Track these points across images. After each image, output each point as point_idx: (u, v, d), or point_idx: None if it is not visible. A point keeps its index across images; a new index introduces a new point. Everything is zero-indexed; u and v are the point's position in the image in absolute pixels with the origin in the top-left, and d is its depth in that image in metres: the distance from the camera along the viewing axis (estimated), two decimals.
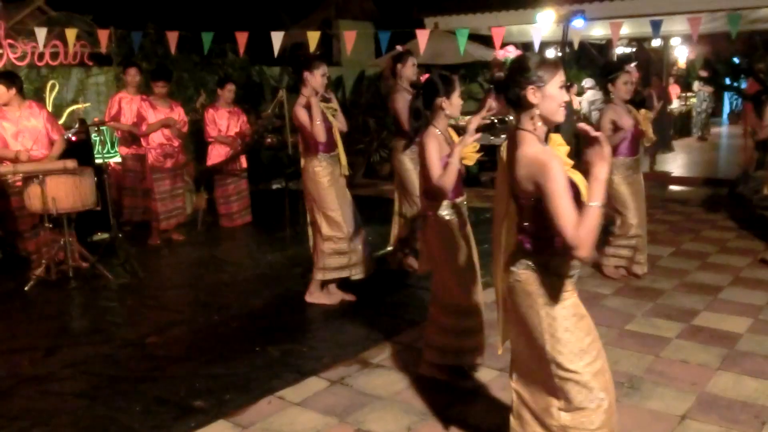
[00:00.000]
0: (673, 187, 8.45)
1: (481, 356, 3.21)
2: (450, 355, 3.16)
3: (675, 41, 14.30)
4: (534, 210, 1.96)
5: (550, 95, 1.97)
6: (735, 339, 3.71)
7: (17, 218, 5.08)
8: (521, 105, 2.00)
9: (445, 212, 3.02)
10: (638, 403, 3.02)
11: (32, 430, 2.88)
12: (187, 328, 4.13)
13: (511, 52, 2.21)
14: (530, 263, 2.03)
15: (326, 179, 4.18)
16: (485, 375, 3.27)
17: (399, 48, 5.15)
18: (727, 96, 17.91)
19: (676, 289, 4.61)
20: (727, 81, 16.70)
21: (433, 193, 2.98)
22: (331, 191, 4.19)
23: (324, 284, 4.38)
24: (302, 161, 4.30)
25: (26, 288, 4.76)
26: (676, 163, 10.60)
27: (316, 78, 4.08)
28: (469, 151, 2.98)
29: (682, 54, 15.32)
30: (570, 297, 2.05)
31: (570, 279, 2.04)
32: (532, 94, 1.96)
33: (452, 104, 3.00)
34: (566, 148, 2.08)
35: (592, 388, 2.03)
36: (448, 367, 3.20)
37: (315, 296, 4.38)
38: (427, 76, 3.22)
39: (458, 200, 3.08)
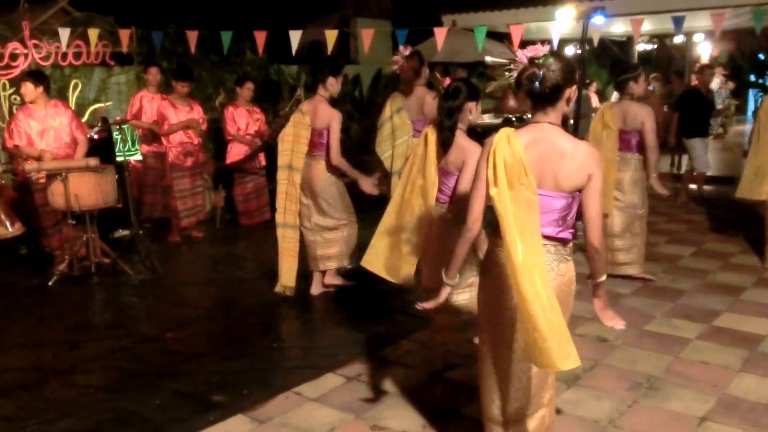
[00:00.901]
0: (695, 186, 8.32)
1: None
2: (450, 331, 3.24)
3: (698, 37, 14.07)
4: (577, 201, 2.08)
5: (574, 96, 2.12)
6: (758, 340, 3.65)
7: (41, 215, 5.18)
8: (557, 101, 2.07)
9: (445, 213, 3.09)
10: (657, 404, 2.99)
11: (57, 422, 2.94)
12: (206, 323, 4.18)
13: (540, 50, 2.21)
14: (567, 254, 2.13)
15: (332, 176, 4.34)
16: None
17: (403, 50, 5.02)
18: (752, 93, 17.58)
19: (697, 289, 4.55)
20: (752, 77, 16.38)
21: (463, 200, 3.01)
22: (341, 185, 4.35)
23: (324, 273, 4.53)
24: (305, 159, 4.31)
25: (50, 283, 4.87)
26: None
27: (338, 84, 4.27)
28: None
29: (705, 50, 15.06)
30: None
31: None
32: (572, 92, 2.09)
33: (476, 110, 3.12)
34: None
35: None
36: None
37: (335, 280, 4.53)
38: (448, 80, 3.25)
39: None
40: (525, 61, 2.08)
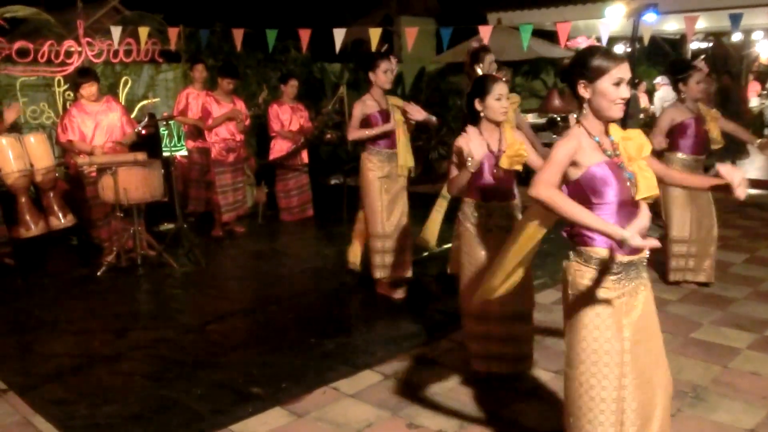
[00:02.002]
0: (750, 191, 8.00)
1: (522, 364, 3.18)
2: (492, 361, 3.13)
3: (757, 35, 13.46)
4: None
5: (601, 91, 1.94)
6: None
7: (91, 207, 5.37)
8: (578, 99, 2.00)
9: (466, 210, 3.08)
10: (703, 414, 2.89)
11: (103, 406, 3.04)
12: (246, 317, 4.25)
13: (581, 43, 2.13)
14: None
15: (373, 174, 4.22)
16: (541, 376, 3.21)
17: (475, 44, 4.96)
18: None
19: (749, 297, 4.37)
20: None
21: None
22: (374, 187, 4.21)
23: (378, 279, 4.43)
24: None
25: (98, 273, 5.04)
26: (753, 165, 10.02)
27: (379, 76, 4.16)
28: (510, 154, 2.90)
29: (765, 49, 14.39)
30: None
31: None
32: (582, 89, 1.96)
33: (487, 106, 2.96)
34: None
35: None
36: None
37: (383, 289, 4.44)
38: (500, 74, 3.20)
39: (498, 203, 3.04)
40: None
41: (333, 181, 8.68)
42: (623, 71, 1.94)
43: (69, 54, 6.29)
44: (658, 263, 4.89)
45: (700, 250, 4.51)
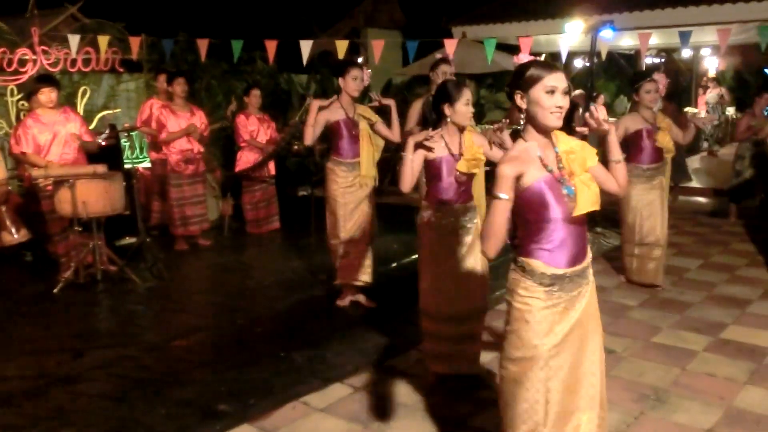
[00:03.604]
0: (702, 199, 8.31)
1: (473, 365, 3.26)
2: (447, 361, 3.22)
3: (705, 52, 14.08)
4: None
5: (535, 99, 1.99)
6: (764, 353, 3.63)
7: (47, 221, 5.19)
8: (519, 112, 2.06)
9: (423, 213, 3.16)
10: (664, 416, 2.97)
11: (60, 430, 2.93)
12: (213, 332, 4.17)
13: (523, 59, 2.23)
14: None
15: (336, 185, 4.24)
16: None
17: (438, 55, 5.11)
18: None
19: (704, 301, 4.53)
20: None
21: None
22: (337, 197, 4.24)
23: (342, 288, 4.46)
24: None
25: (55, 290, 4.86)
26: (706, 175, 10.42)
27: (348, 83, 4.19)
28: (468, 158, 3.05)
29: (711, 65, 15.07)
30: None
31: None
32: (519, 99, 2.03)
33: (456, 111, 3.02)
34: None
35: None
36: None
37: (342, 299, 4.46)
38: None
39: (456, 206, 3.11)
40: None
41: (301, 193, 8.63)
42: (556, 80, 1.97)
43: (23, 62, 6.10)
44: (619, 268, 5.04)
45: (649, 253, 4.69)
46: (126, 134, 5.66)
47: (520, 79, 2.01)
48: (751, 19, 8.30)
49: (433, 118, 3.12)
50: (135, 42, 6.78)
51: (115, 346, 3.91)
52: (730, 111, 13.50)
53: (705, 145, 12.34)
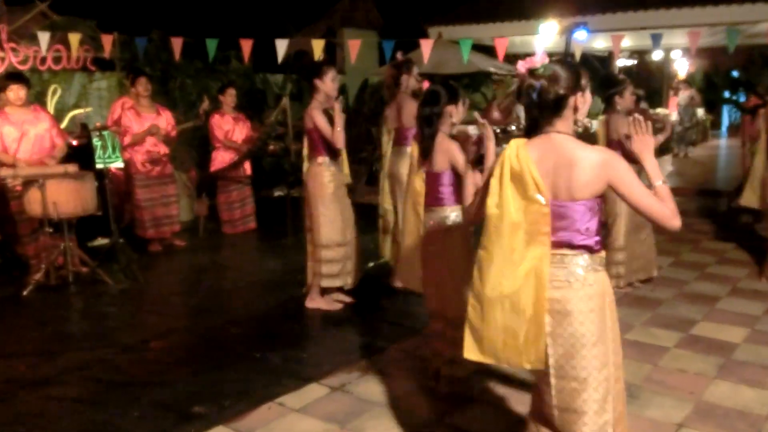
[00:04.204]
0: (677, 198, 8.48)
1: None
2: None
3: (675, 54, 14.39)
4: (595, 209, 2.01)
5: (587, 101, 2.06)
6: (732, 348, 3.72)
7: (17, 222, 5.08)
8: (562, 110, 2.00)
9: (455, 217, 3.02)
10: (637, 411, 3.02)
11: None
12: (187, 333, 4.13)
13: (538, 62, 2.24)
14: (597, 264, 2.02)
15: (331, 185, 4.23)
16: (486, 381, 3.27)
17: (399, 56, 5.16)
18: (726, 109, 18.01)
19: (675, 298, 4.63)
20: (726, 94, 16.79)
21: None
22: (335, 198, 4.23)
23: (324, 291, 4.40)
24: (306, 165, 4.32)
25: (25, 293, 4.76)
26: (675, 174, 10.64)
27: (326, 84, 4.14)
28: None
29: (682, 67, 15.40)
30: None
31: None
32: (579, 98, 2.03)
33: (459, 112, 3.05)
34: None
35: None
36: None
37: (316, 302, 4.40)
38: (427, 83, 3.27)
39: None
40: (524, 72, 2.07)
41: (277, 193, 8.58)
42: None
43: None
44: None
45: (635, 254, 4.78)
46: (98, 134, 5.57)
47: (584, 82, 2.03)
48: (720, 22, 8.52)
49: (434, 128, 3.01)
50: (107, 40, 6.67)
51: (88, 348, 3.84)
52: (700, 112, 13.79)
53: (675, 147, 12.60)
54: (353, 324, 4.16)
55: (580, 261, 1.99)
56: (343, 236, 4.26)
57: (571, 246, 1.98)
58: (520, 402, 3.08)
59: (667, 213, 1.93)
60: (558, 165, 1.96)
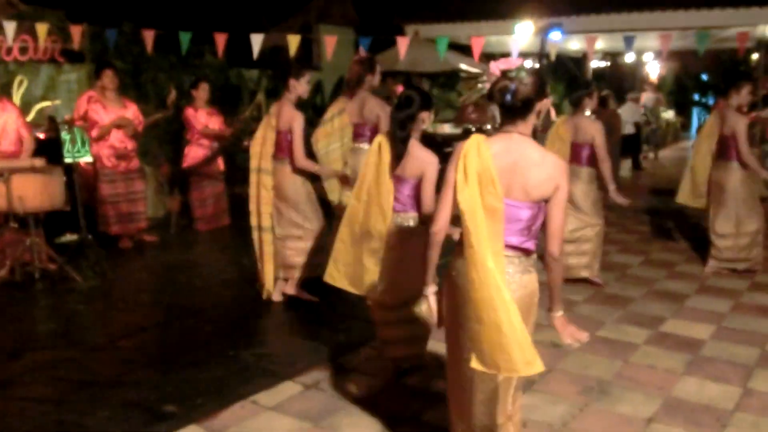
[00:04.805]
0: (643, 198, 8.64)
1: (420, 346, 3.29)
2: (396, 345, 3.23)
3: (647, 57, 14.68)
4: (542, 212, 2.09)
5: (545, 108, 2.16)
6: (699, 345, 3.80)
7: None
8: (528, 114, 2.09)
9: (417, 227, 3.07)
10: (607, 407, 3.07)
11: None
12: (159, 331, 4.06)
13: (514, 63, 2.24)
14: (530, 266, 2.13)
15: (308, 183, 4.31)
16: None
17: (362, 53, 5.16)
18: (695, 111, 18.44)
19: (645, 296, 4.71)
20: (696, 97, 17.18)
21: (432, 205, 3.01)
22: (314, 194, 4.31)
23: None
24: (273, 163, 4.28)
25: None
26: (646, 175, 10.86)
27: (302, 85, 4.17)
28: None
29: (653, 69, 15.71)
30: None
31: None
32: (542, 105, 2.12)
33: (431, 118, 3.11)
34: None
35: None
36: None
37: (298, 292, 4.43)
38: (401, 88, 3.30)
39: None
40: (497, 73, 2.13)
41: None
42: None
43: None
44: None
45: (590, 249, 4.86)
46: (67, 127, 5.44)
47: (546, 88, 2.12)
48: (691, 26, 8.71)
49: (407, 131, 2.99)
50: (76, 31, 6.50)
51: (54, 347, 3.75)
52: (669, 114, 14.07)
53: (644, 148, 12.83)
54: (327, 321, 4.15)
55: (516, 262, 2.08)
56: (318, 227, 4.34)
57: (511, 246, 2.07)
58: None
59: (558, 242, 2.06)
60: (516, 164, 2.04)
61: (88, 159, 6.37)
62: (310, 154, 5.03)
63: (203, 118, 6.41)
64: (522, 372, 1.96)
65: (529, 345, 1.96)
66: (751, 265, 5.13)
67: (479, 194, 1.99)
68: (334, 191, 4.92)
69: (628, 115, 11.42)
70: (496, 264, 1.95)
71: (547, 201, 2.07)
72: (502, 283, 1.94)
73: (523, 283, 2.08)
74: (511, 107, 2.08)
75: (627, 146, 11.06)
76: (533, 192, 2.04)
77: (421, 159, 2.97)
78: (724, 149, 5.00)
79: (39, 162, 4.75)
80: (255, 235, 4.41)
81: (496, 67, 2.31)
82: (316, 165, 4.26)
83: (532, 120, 2.12)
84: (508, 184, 2.04)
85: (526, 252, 2.10)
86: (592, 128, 4.68)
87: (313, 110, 9.35)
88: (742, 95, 4.90)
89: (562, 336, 2.18)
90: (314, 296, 4.44)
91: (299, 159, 4.15)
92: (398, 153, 2.98)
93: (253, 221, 4.38)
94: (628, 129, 11.45)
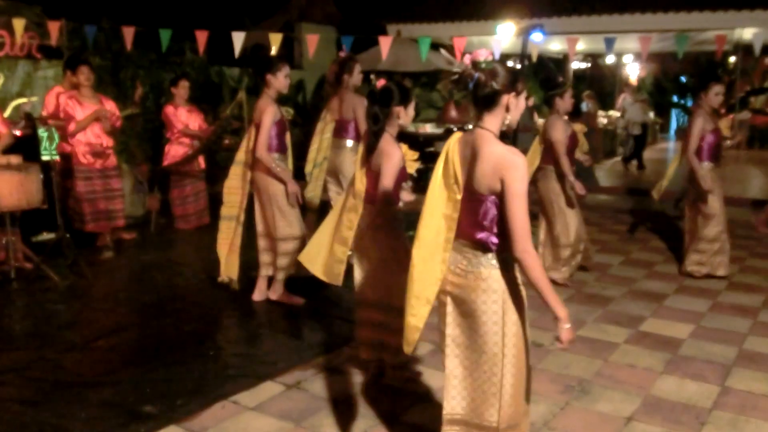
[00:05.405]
0: (623, 199, 8.75)
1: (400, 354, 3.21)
2: (374, 348, 3.19)
3: (627, 58, 14.86)
4: (495, 206, 2.06)
5: (519, 106, 2.11)
6: (678, 344, 3.86)
7: None
8: (493, 106, 2.05)
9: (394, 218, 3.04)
10: (587, 405, 3.10)
11: None
12: (138, 331, 4.01)
13: (483, 54, 2.24)
14: (494, 261, 2.08)
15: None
16: (438, 378, 3.29)
17: (343, 54, 5.18)
18: (674, 112, 18.73)
19: (625, 296, 4.77)
20: (675, 98, 17.45)
21: (388, 199, 2.99)
22: (283, 192, 4.18)
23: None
24: (253, 157, 4.24)
25: None
26: (623, 175, 11.00)
27: (279, 80, 4.10)
28: (409, 158, 3.09)
29: (633, 71, 15.91)
30: (524, 292, 2.16)
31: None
32: (512, 99, 2.07)
33: (408, 114, 3.03)
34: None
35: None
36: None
37: (279, 295, 4.38)
38: (382, 81, 3.25)
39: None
40: (469, 64, 2.10)
41: None
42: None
43: None
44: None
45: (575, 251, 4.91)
46: (44, 124, 5.33)
47: (517, 82, 2.07)
48: (670, 28, 8.84)
49: (381, 120, 2.99)
50: (54, 27, 6.40)
51: (31, 347, 3.69)
52: (649, 116, 14.25)
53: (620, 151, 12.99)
54: (309, 321, 4.13)
55: (479, 254, 2.09)
56: (300, 229, 4.25)
57: (471, 239, 2.09)
58: None
59: (525, 239, 1.96)
60: (471, 157, 2.06)
61: (56, 158, 6.20)
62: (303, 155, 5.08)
63: (183, 116, 6.35)
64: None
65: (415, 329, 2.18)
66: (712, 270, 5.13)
67: (443, 185, 2.08)
68: (310, 190, 4.92)
69: (636, 115, 11.67)
70: (439, 251, 2.09)
71: (498, 195, 2.01)
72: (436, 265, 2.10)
73: (482, 275, 2.06)
74: (476, 98, 2.07)
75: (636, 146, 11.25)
76: (478, 184, 2.02)
77: (383, 152, 2.93)
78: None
79: (15, 159, 4.66)
80: (226, 224, 4.32)
81: (469, 58, 2.33)
82: (273, 162, 4.09)
83: (499, 115, 2.05)
84: (467, 176, 2.07)
85: (481, 244, 2.07)
86: (549, 127, 4.74)
87: (296, 109, 9.31)
88: (710, 96, 4.88)
89: (563, 338, 2.08)
90: (298, 298, 4.41)
91: (259, 149, 4.05)
92: (368, 146, 2.98)
93: (231, 212, 4.30)
94: (636, 129, 11.66)
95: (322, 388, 3.23)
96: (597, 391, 3.24)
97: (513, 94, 2.06)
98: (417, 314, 2.16)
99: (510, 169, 1.95)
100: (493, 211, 2.05)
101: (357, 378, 3.33)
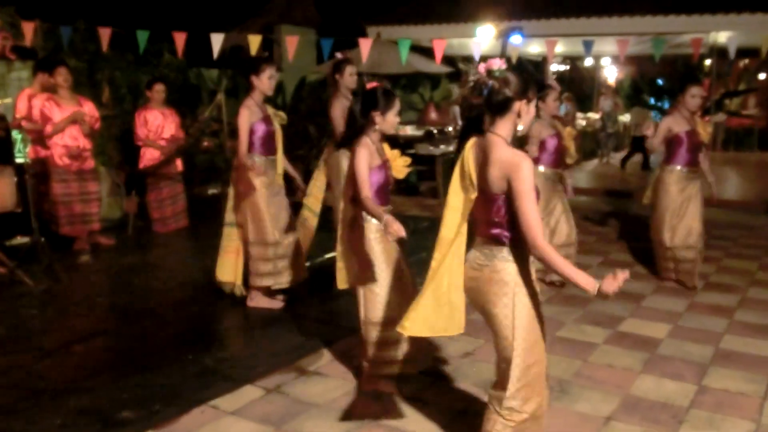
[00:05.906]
0: (602, 200, 8.85)
1: (416, 364, 3.21)
2: (391, 365, 3.14)
3: (605, 61, 15.06)
4: (505, 204, 2.15)
5: (530, 112, 2.19)
6: (656, 344, 3.90)
7: None
8: (505, 112, 2.14)
9: (373, 221, 2.97)
10: (567, 405, 3.12)
11: None
12: (115, 336, 3.95)
13: (497, 64, 2.27)
14: (509, 256, 2.19)
15: (260, 181, 4.11)
16: (422, 381, 3.29)
17: (338, 55, 5.15)
18: (654, 114, 19.01)
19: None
20: (652, 101, 17.73)
21: (353, 197, 2.99)
22: (261, 195, 4.11)
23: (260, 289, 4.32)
24: (235, 161, 4.21)
25: None
26: (605, 176, 11.12)
27: (263, 81, 4.05)
28: (399, 164, 3.11)
29: (611, 73, 16.13)
30: (537, 286, 2.28)
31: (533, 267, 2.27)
32: (523, 106, 2.15)
33: (386, 120, 2.99)
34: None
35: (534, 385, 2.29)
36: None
37: (256, 301, 4.31)
38: (373, 84, 3.23)
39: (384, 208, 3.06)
40: (484, 72, 2.17)
41: (210, 191, 8.34)
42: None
43: None
44: None
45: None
46: (17, 127, 5.24)
47: (530, 90, 2.16)
48: (647, 32, 8.97)
49: (360, 124, 2.99)
50: (28, 27, 6.29)
51: (5, 353, 3.61)
52: (626, 118, 14.44)
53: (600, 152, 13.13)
54: (289, 324, 4.10)
55: (494, 249, 2.19)
56: (272, 235, 4.15)
57: (487, 235, 2.21)
58: (457, 400, 3.13)
59: (536, 234, 2.03)
60: (483, 160, 2.15)
61: (26, 160, 6.09)
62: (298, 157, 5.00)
63: (159, 120, 6.26)
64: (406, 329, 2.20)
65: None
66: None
67: (461, 187, 2.17)
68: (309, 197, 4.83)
69: (639, 117, 11.88)
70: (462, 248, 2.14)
71: (508, 195, 2.11)
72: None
73: (496, 268, 2.19)
74: (489, 105, 2.15)
75: (638, 147, 11.36)
76: (491, 185, 2.13)
77: (354, 156, 2.93)
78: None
79: None
80: (230, 230, 4.28)
81: (483, 67, 2.35)
82: (249, 162, 4.02)
83: (511, 121, 2.15)
84: (480, 179, 2.15)
85: (497, 240, 2.19)
86: (531, 131, 4.76)
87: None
88: (686, 98, 4.79)
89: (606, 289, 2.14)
90: (277, 302, 4.37)
91: (238, 153, 4.02)
92: (337, 146, 2.98)
93: (237, 218, 4.25)
94: (640, 131, 11.80)
95: (303, 391, 3.20)
96: (576, 392, 3.26)
97: (525, 101, 2.16)
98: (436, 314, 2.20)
99: (515, 170, 2.06)
100: (504, 208, 2.16)
101: (337, 381, 3.31)
